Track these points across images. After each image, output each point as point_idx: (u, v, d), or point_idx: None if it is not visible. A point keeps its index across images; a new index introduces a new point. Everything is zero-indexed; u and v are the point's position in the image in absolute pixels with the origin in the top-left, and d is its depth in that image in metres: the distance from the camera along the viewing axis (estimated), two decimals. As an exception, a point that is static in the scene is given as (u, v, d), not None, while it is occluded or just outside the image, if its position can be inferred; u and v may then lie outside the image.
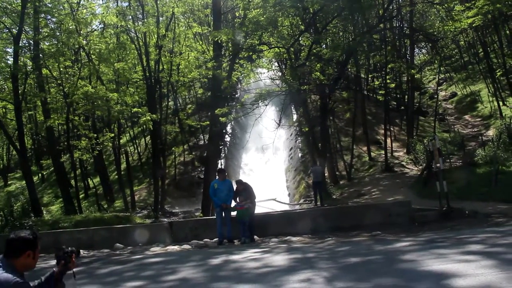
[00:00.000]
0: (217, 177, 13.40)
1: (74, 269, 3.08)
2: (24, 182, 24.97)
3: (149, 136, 37.50)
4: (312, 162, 24.36)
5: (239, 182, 13.14)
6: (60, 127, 36.45)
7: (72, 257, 2.95)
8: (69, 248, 3.03)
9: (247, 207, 12.17)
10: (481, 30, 36.47)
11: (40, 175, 42.52)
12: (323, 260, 8.18)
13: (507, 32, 35.91)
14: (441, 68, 42.92)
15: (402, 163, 28.41)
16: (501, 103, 31.94)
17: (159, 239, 13.02)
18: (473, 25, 25.11)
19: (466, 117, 38.21)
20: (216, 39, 22.72)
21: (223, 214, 12.39)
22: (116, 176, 33.13)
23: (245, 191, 12.61)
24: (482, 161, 20.74)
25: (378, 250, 8.66)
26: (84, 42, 25.94)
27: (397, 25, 35.26)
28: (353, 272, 6.79)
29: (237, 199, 12.42)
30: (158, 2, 29.94)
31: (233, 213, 12.58)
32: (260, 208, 24.11)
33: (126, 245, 12.79)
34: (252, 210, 12.54)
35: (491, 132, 30.43)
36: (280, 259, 8.62)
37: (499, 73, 35.69)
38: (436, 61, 40.29)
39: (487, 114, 35.67)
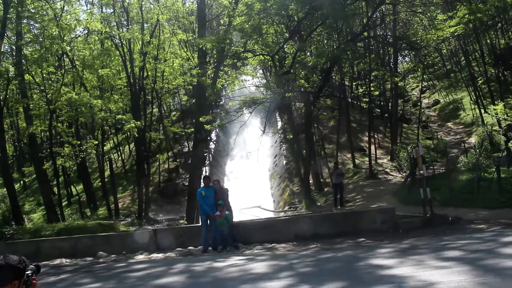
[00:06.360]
0: (202, 184, 13.39)
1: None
2: (5, 189, 24.55)
3: (133, 143, 37.30)
4: (334, 164, 24.19)
5: (217, 181, 13.51)
6: (42, 133, 36.04)
7: (33, 279, 2.73)
8: (29, 268, 2.74)
9: (226, 216, 12.16)
10: (463, 39, 37.04)
11: (22, 182, 41.96)
12: (306, 267, 8.20)
13: (488, 41, 36.51)
14: (424, 76, 43.50)
15: (386, 170, 28.59)
16: (482, 111, 32.38)
17: (143, 247, 12.90)
18: (455, 34, 25.47)
19: (449, 124, 38.67)
20: (201, 46, 22.69)
21: (208, 222, 12.36)
22: (100, 184, 32.81)
23: (222, 194, 12.67)
24: (464, 168, 20.96)
25: (359, 257, 8.69)
26: (68, 48, 25.72)
27: (381, 33, 35.61)
28: (333, 278, 6.81)
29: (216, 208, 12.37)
30: (143, 8, 29.92)
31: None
32: (245, 215, 24.08)
33: (110, 253, 12.64)
34: (231, 217, 12.58)
35: (473, 139, 30.82)
36: (263, 266, 8.63)
37: (480, 81, 36.25)
38: (419, 69, 40.79)
39: (469, 121, 36.14)
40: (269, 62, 27.36)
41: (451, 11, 24.61)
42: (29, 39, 23.95)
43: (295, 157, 28.93)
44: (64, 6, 25.11)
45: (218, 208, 12.21)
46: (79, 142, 27.32)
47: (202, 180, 17.04)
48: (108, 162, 35.45)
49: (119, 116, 27.19)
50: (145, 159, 30.31)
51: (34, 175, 35.41)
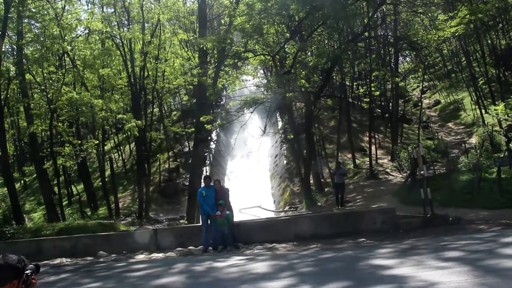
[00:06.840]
0: (203, 184, 13.39)
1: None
2: (5, 189, 24.57)
3: (133, 143, 37.28)
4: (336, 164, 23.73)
5: (217, 181, 13.53)
6: (43, 133, 36.01)
7: (32, 279, 2.71)
8: (28, 268, 2.72)
9: (226, 216, 12.16)
10: (464, 39, 37.03)
11: (22, 181, 41.98)
12: (306, 267, 8.19)
13: (489, 41, 36.48)
14: (425, 76, 43.39)
15: (387, 170, 28.57)
16: (483, 111, 32.35)
17: (144, 247, 12.90)
18: (456, 34, 25.48)
19: (450, 124, 38.63)
20: (202, 46, 22.71)
21: (209, 222, 12.36)
22: (100, 183, 32.82)
23: (223, 193, 12.68)
24: (465, 168, 20.94)
25: (359, 257, 8.68)
26: (69, 47, 25.70)
27: (382, 33, 35.58)
28: (334, 279, 6.80)
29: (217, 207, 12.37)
30: (144, 8, 29.93)
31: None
32: (245, 215, 24.10)
33: (110, 252, 12.64)
34: (232, 217, 12.58)
35: (473, 140, 30.79)
36: (263, 266, 8.62)
37: (481, 82, 36.19)
38: (420, 69, 40.77)
39: (470, 122, 36.11)
40: (270, 62, 27.36)
41: (452, 11, 24.60)
42: (30, 39, 23.93)
43: (295, 157, 28.90)
44: (65, 6, 25.12)
45: (219, 208, 12.22)
46: (79, 141, 27.29)
47: (202, 180, 17.02)
48: (108, 162, 35.45)
49: (120, 116, 27.22)
50: (145, 158, 30.32)
51: (35, 175, 35.45)
